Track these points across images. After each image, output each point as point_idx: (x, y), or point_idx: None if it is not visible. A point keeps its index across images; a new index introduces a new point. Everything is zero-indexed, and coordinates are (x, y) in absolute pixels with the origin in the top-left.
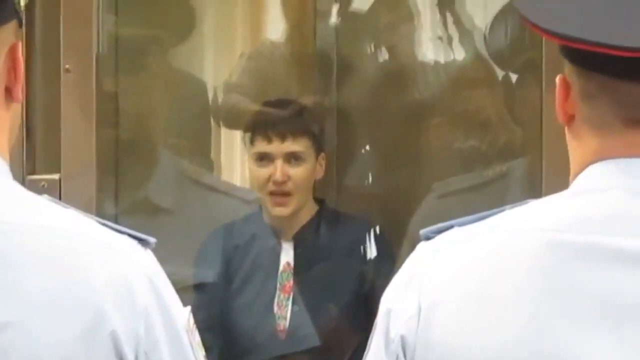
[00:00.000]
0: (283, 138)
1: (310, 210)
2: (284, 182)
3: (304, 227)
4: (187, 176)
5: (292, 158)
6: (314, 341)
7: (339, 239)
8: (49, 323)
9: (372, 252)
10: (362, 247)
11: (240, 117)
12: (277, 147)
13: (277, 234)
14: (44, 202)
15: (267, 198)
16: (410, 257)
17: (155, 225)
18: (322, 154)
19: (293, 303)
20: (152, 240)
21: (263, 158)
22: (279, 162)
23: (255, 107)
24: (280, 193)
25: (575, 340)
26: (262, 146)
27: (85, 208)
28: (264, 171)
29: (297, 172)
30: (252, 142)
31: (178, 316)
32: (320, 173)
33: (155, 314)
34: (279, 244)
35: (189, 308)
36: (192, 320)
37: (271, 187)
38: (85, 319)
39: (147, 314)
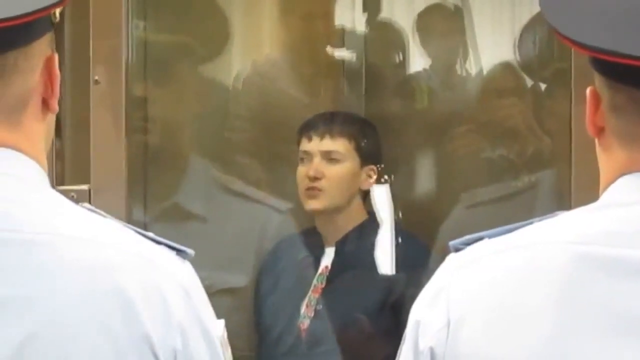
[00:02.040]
0: (322, 137)
1: (357, 219)
2: (316, 179)
3: (347, 234)
4: (218, 184)
5: (329, 157)
6: (330, 342)
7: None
8: (78, 330)
9: (404, 261)
10: (402, 259)
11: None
12: (315, 145)
13: (324, 241)
14: (82, 212)
15: (304, 195)
16: (440, 269)
17: (186, 233)
18: (372, 167)
19: (317, 303)
20: (191, 251)
21: (304, 157)
22: (316, 160)
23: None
24: (312, 188)
25: (600, 354)
26: (304, 145)
27: (115, 218)
28: (303, 169)
29: (333, 170)
30: (298, 143)
31: (214, 330)
32: (367, 184)
33: (191, 328)
34: (322, 249)
35: (222, 321)
36: (225, 334)
37: (307, 183)
38: (116, 323)
39: (182, 329)
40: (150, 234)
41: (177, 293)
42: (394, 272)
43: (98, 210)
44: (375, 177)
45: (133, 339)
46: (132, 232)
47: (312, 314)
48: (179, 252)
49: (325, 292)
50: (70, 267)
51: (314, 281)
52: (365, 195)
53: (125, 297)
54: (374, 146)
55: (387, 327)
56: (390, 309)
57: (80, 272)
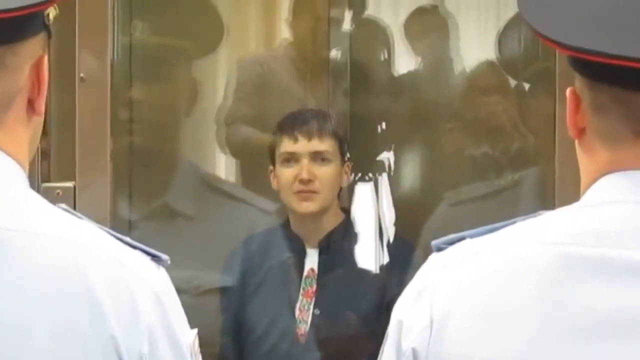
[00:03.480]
0: (309, 137)
1: (336, 218)
2: (310, 181)
3: (329, 234)
4: (204, 183)
5: (318, 157)
6: (333, 345)
7: None
8: (44, 326)
9: (396, 261)
10: (391, 257)
11: (253, 148)
12: (303, 146)
13: (303, 241)
14: (57, 212)
15: (293, 197)
16: (422, 268)
17: (171, 232)
18: (348, 163)
19: (314, 307)
20: (166, 257)
21: (290, 159)
22: (305, 161)
23: (266, 137)
24: (306, 191)
25: (585, 354)
26: (288, 146)
27: (100, 216)
28: (291, 171)
29: (323, 171)
30: (279, 143)
31: (183, 337)
32: (346, 181)
33: (160, 334)
34: (304, 251)
35: (195, 331)
36: (197, 343)
37: (298, 186)
38: (83, 322)
39: (150, 334)
40: (127, 238)
41: (148, 297)
42: (385, 271)
43: (73, 212)
44: (350, 172)
45: (99, 340)
46: (107, 235)
47: (309, 319)
48: (154, 257)
49: (320, 296)
50: (41, 265)
51: (302, 284)
52: (339, 193)
53: (93, 298)
54: (346, 142)
55: (385, 327)
56: (386, 308)
57: (50, 270)
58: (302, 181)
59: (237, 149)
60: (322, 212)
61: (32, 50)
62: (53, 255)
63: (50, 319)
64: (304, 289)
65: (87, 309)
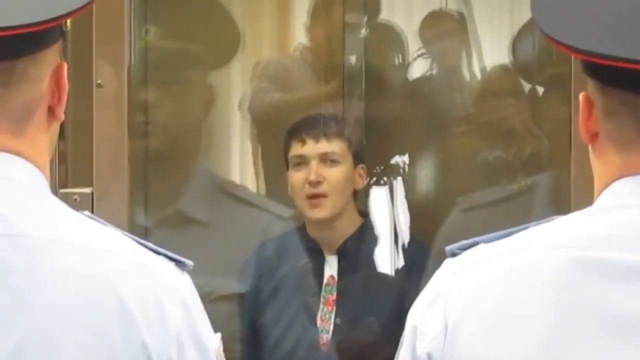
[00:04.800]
0: (317, 139)
1: (354, 223)
2: (318, 183)
3: (347, 240)
4: (221, 189)
5: (326, 159)
6: (355, 354)
7: None
8: (73, 335)
9: (413, 265)
10: (405, 261)
11: (281, 114)
12: (311, 148)
13: (322, 247)
14: (82, 219)
15: (304, 202)
16: (436, 274)
17: (188, 238)
18: (362, 166)
19: (336, 316)
20: (190, 262)
21: (299, 162)
22: (313, 163)
23: (292, 102)
24: (315, 195)
25: (594, 356)
26: (297, 149)
27: (117, 221)
28: (300, 174)
29: (332, 173)
30: (289, 148)
31: (209, 342)
32: (360, 184)
33: (187, 339)
34: (323, 258)
35: (219, 335)
36: (221, 348)
37: (307, 189)
38: (114, 331)
39: (179, 339)
40: (150, 244)
41: (175, 303)
42: (404, 276)
43: (98, 218)
44: (365, 176)
45: (130, 347)
46: (132, 241)
47: (331, 328)
48: (178, 263)
49: (341, 304)
50: (69, 273)
51: (322, 292)
52: (356, 197)
53: (123, 305)
54: (361, 145)
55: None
56: (406, 314)
57: (79, 278)
58: (310, 183)
59: (261, 114)
60: (335, 217)
61: (52, 59)
62: (80, 262)
63: (79, 328)
64: (324, 297)
65: (117, 317)
